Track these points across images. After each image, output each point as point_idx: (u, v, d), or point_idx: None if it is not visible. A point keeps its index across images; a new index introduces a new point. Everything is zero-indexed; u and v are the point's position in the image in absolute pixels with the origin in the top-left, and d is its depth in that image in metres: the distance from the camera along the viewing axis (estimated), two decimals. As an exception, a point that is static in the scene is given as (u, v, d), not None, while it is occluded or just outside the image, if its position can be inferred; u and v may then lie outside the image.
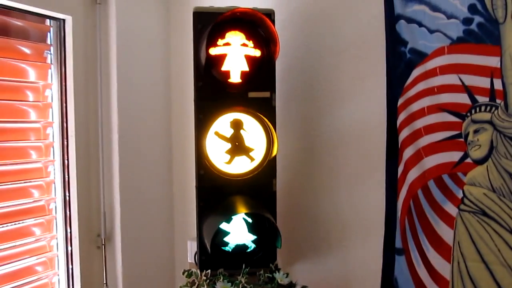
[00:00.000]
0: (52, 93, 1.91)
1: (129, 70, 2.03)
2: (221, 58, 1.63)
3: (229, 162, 1.67)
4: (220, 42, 1.63)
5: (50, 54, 1.90)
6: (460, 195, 1.62)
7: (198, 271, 1.64)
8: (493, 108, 1.54)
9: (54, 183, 1.93)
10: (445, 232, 1.65)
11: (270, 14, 1.67)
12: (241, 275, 1.58)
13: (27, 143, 1.86)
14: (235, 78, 1.65)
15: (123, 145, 1.99)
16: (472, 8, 1.57)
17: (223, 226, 1.66)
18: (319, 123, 1.89)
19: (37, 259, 1.89)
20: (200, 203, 1.67)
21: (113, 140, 1.99)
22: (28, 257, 1.85)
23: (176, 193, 2.25)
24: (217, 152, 1.66)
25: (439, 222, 1.67)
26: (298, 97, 1.94)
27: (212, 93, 1.65)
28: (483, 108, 1.58)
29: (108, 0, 1.95)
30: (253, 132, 1.69)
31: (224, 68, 1.64)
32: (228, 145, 1.66)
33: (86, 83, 1.94)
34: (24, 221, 1.84)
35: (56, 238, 1.94)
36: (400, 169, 1.75)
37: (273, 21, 1.67)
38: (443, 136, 1.65)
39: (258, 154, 1.69)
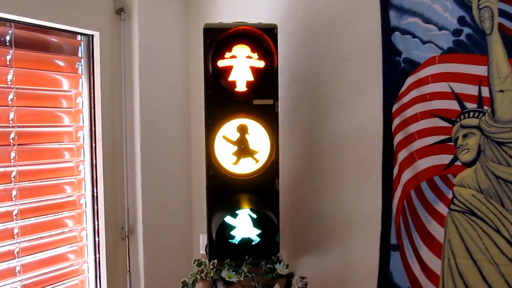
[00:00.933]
0: (83, 100, 2.15)
1: (150, 80, 2.23)
2: (228, 69, 1.80)
3: (236, 163, 1.84)
4: (227, 55, 1.80)
5: (81, 65, 2.14)
6: (450, 195, 1.72)
7: (207, 261, 1.82)
8: (481, 114, 1.63)
9: (84, 181, 2.16)
10: (436, 230, 1.75)
11: (273, 28, 1.82)
12: (244, 265, 1.75)
13: (61, 145, 2.10)
14: (241, 87, 1.81)
15: (144, 147, 2.20)
16: (461, 20, 1.67)
17: (230, 220, 1.83)
18: (321, 127, 2.03)
19: (70, 247, 2.13)
20: (210, 199, 1.85)
21: (136, 142, 2.20)
22: (62, 246, 2.09)
23: (194, 191, 2.44)
24: (224, 154, 1.83)
25: (430, 221, 1.77)
26: (303, 104, 2.08)
27: (220, 100, 1.81)
28: (471, 114, 1.67)
29: (132, 17, 2.17)
30: (257, 136, 1.85)
31: (231, 78, 1.80)
32: (235, 148, 1.83)
33: (112, 91, 2.17)
34: (58, 214, 2.08)
35: (86, 230, 2.18)
36: (395, 171, 1.87)
37: (276, 35, 1.82)
38: (434, 140, 1.75)
39: (262, 156, 1.85)
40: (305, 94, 2.07)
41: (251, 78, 1.81)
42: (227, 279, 1.74)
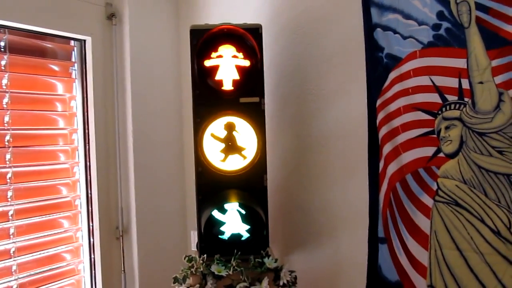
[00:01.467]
0: (77, 104, 2.21)
1: (142, 82, 2.30)
2: (214, 69, 1.84)
3: (224, 160, 1.88)
4: (213, 55, 1.84)
5: (75, 70, 2.20)
6: (434, 187, 1.74)
7: (198, 257, 1.86)
8: (462, 106, 1.66)
9: (79, 182, 2.21)
10: (422, 222, 1.77)
11: (257, 28, 1.87)
12: (232, 259, 1.79)
13: (56, 147, 2.16)
14: (227, 85, 1.85)
15: (137, 148, 2.25)
16: (440, 15, 1.70)
17: (219, 216, 1.87)
18: (309, 125, 2.06)
19: (65, 247, 2.17)
20: (199, 196, 1.89)
21: (129, 144, 2.25)
22: (58, 246, 2.14)
23: (187, 190, 2.47)
24: (213, 151, 1.87)
25: (416, 213, 1.79)
26: (291, 102, 2.12)
27: (208, 99, 1.86)
28: (452, 106, 1.69)
29: (123, 22, 2.23)
30: (245, 133, 1.89)
31: (217, 77, 1.84)
32: (223, 145, 1.87)
33: (105, 94, 2.23)
34: (54, 214, 2.13)
35: (81, 230, 2.22)
36: (381, 164, 1.89)
37: (260, 34, 1.87)
38: (418, 133, 1.78)
39: (250, 152, 1.89)
40: (292, 92, 2.11)
41: (237, 77, 1.85)
42: (216, 273, 1.77)
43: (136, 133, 2.24)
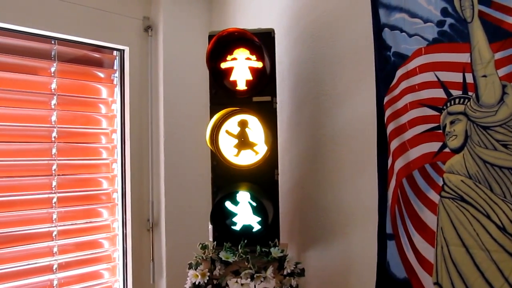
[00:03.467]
0: (117, 107, 2.47)
1: (173, 88, 2.51)
2: (229, 70, 2.00)
3: (237, 155, 2.00)
4: (229, 57, 2.00)
5: (116, 77, 2.47)
6: (440, 182, 1.72)
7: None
8: (466, 100, 1.65)
9: (117, 177, 2.45)
10: (428, 218, 1.75)
11: (270, 32, 2.01)
12: (239, 247, 1.89)
13: (100, 145, 2.43)
14: (241, 85, 1.99)
15: (168, 148, 2.45)
16: (444, 11, 1.73)
17: (232, 208, 1.99)
18: (323, 124, 2.13)
19: (105, 235, 2.41)
20: (214, 188, 2.03)
21: (160, 144, 2.46)
22: (96, 234, 2.39)
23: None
24: (227, 147, 2.01)
25: (423, 209, 1.78)
26: (307, 103, 2.21)
27: (223, 98, 2.01)
28: (457, 100, 1.69)
29: (158, 34, 2.48)
30: (258, 130, 2.00)
31: (232, 78, 1.99)
32: (236, 141, 2.01)
33: (140, 98, 2.47)
34: (94, 205, 2.39)
35: (117, 221, 2.45)
36: (389, 161, 1.90)
37: (273, 38, 2.01)
38: (424, 129, 1.78)
39: (262, 148, 2.00)
40: (309, 93, 2.20)
41: (250, 77, 1.99)
42: (224, 259, 1.88)
43: (167, 134, 2.45)
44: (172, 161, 2.48)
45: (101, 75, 2.43)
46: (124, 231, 2.43)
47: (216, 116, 1.98)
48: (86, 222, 2.33)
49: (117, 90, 2.46)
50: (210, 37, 2.02)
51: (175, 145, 2.49)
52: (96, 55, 2.42)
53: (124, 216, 2.44)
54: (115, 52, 2.46)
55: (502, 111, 1.57)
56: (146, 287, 2.47)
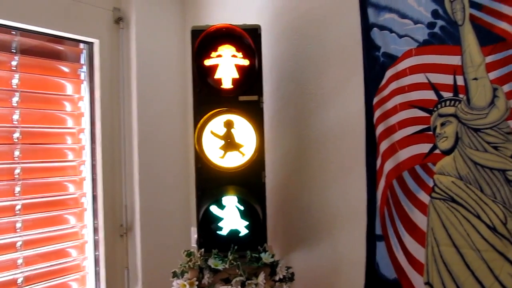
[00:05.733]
0: (84, 104, 2.28)
1: (147, 84, 2.36)
2: (214, 68, 1.90)
3: (223, 156, 1.91)
4: (213, 54, 1.90)
5: (83, 72, 2.29)
6: (431, 183, 1.74)
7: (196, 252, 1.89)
8: (457, 102, 1.67)
9: (85, 180, 2.28)
10: (419, 219, 1.77)
11: (256, 29, 1.92)
12: (229, 253, 1.81)
13: (64, 146, 2.24)
14: (227, 84, 1.90)
15: (142, 147, 2.31)
16: (435, 13, 1.73)
17: (218, 212, 1.90)
18: (308, 124, 2.09)
19: (72, 243, 2.23)
20: (198, 192, 1.93)
21: (134, 143, 2.32)
22: (63, 242, 2.20)
23: (192, 188, 2.49)
24: (212, 148, 1.92)
25: (413, 210, 1.79)
26: (291, 102, 2.16)
27: (208, 97, 1.90)
28: (448, 102, 1.70)
29: (130, 26, 2.32)
30: (244, 130, 1.93)
31: (217, 76, 1.89)
32: (222, 142, 1.92)
33: (111, 95, 2.30)
34: (61, 211, 2.20)
35: (86, 227, 2.28)
36: (378, 162, 1.90)
37: (259, 35, 1.92)
38: (414, 130, 1.79)
39: (248, 150, 1.92)
40: (293, 92, 2.15)
41: (236, 75, 1.90)
42: (213, 267, 1.80)
43: (141, 133, 2.30)
44: (147, 162, 2.35)
45: (66, 69, 2.24)
46: (96, 238, 2.27)
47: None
48: (53, 230, 2.15)
49: (84, 86, 2.28)
50: (194, 32, 1.91)
51: (149, 145, 2.35)
52: (60, 47, 2.22)
53: (94, 222, 2.27)
54: (81, 45, 2.27)
55: (492, 114, 1.59)
56: (120, 297, 2.33)
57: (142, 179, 2.31)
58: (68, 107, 2.24)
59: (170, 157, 2.44)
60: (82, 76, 2.29)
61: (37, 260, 2.09)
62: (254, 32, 1.92)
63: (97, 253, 2.27)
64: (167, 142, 2.43)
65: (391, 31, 1.85)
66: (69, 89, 2.25)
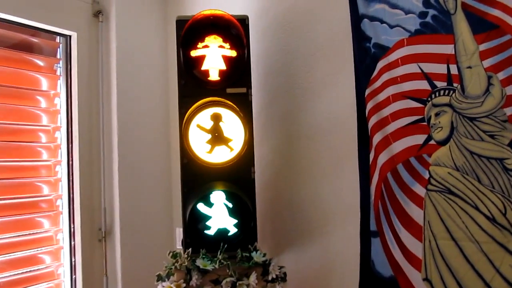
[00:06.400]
0: (61, 101, 2.16)
1: (128, 79, 2.26)
2: (201, 59, 1.82)
3: (210, 151, 1.82)
4: (200, 45, 1.82)
5: (60, 67, 2.17)
6: (426, 175, 1.69)
7: (183, 253, 1.77)
8: (451, 92, 1.64)
9: (61, 181, 2.14)
10: (415, 213, 1.71)
11: (244, 19, 1.86)
12: (218, 253, 1.71)
13: (39, 144, 2.10)
14: (214, 76, 1.83)
15: (122, 146, 2.20)
16: (426, 3, 1.70)
17: (205, 210, 1.80)
18: (298, 118, 2.03)
19: (45, 249, 2.07)
20: (184, 189, 1.82)
21: (113, 142, 2.20)
22: (37, 248, 2.04)
23: (174, 190, 2.40)
24: (199, 143, 1.82)
25: (409, 203, 1.73)
26: (279, 96, 2.09)
27: (194, 90, 1.83)
28: (442, 92, 1.67)
29: (109, 18, 2.22)
30: (232, 124, 1.84)
31: (203, 67, 1.82)
32: (209, 136, 1.83)
33: (90, 92, 2.19)
34: (34, 214, 2.05)
35: (62, 232, 2.13)
36: (371, 155, 1.85)
37: (247, 25, 1.86)
38: (408, 121, 1.74)
39: (237, 144, 1.84)
40: (281, 86, 2.09)
41: (223, 67, 1.83)
42: (201, 267, 1.68)
43: (121, 130, 2.19)
44: (127, 162, 2.22)
45: (41, 63, 2.11)
46: (72, 243, 2.11)
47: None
48: (25, 235, 1.99)
49: (61, 82, 2.16)
50: (179, 22, 1.83)
51: (130, 144, 2.24)
52: (35, 40, 2.10)
53: (71, 226, 2.12)
54: (58, 39, 2.15)
55: (488, 102, 1.57)
56: (98, 305, 2.17)
57: (122, 179, 2.19)
58: (43, 103, 2.11)
59: (152, 156, 2.33)
60: (58, 71, 2.16)
61: (7, 268, 1.92)
62: (242, 22, 1.86)
63: (73, 259, 2.11)
64: (148, 140, 2.32)
65: (382, 21, 1.81)
66: (44, 84, 2.12)
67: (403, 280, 1.74)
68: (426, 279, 1.68)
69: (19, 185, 2.00)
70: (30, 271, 2.01)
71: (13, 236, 1.96)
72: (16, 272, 1.96)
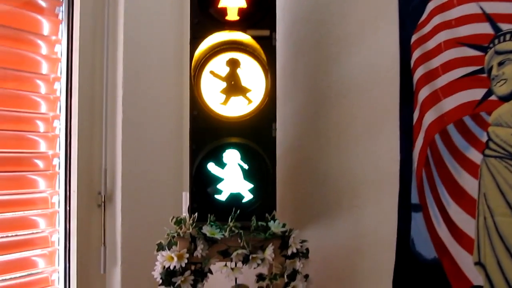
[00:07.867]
0: (62, 48, 1.94)
1: (137, 27, 2.03)
2: (218, -4, 1.58)
3: (225, 103, 1.56)
4: (217, -22, 1.58)
5: (62, 11, 1.94)
6: (484, 138, 1.41)
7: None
8: (520, 36, 1.36)
9: (59, 138, 1.92)
10: (468, 183, 1.44)
11: (270, -51, 1.60)
12: (229, 219, 1.45)
13: (37, 95, 1.88)
14: (232, 15, 1.57)
15: (127, 101, 1.96)
16: None
17: (216, 171, 1.55)
18: (328, 73, 1.78)
19: (41, 211, 1.87)
20: (193, 146, 1.58)
21: (118, 95, 1.96)
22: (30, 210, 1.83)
23: (186, 146, 2.17)
24: (212, 92, 1.57)
25: (461, 172, 1.46)
26: (307, 47, 1.84)
27: (208, 31, 1.57)
28: (508, 36, 1.39)
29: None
30: (251, 73, 1.57)
31: (220, 4, 1.56)
32: (224, 85, 1.57)
33: (93, 39, 1.96)
34: (28, 172, 1.84)
35: (58, 194, 1.92)
36: (416, 115, 1.57)
37: (274, -43, 1.60)
38: (463, 73, 1.47)
39: (257, 96, 1.57)
40: (309, 35, 1.83)
41: (244, 4, 1.57)
42: (209, 235, 1.43)
43: (126, 82, 1.96)
44: (132, 118, 1.99)
45: (43, 4, 1.89)
46: (67, 208, 1.90)
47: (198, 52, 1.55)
48: (17, 193, 1.79)
49: (62, 27, 1.93)
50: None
51: (136, 98, 2.00)
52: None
53: (66, 188, 1.90)
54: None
55: None
56: (94, 278, 1.95)
57: (125, 138, 1.96)
58: (44, 49, 1.89)
59: (162, 113, 2.10)
60: (60, 16, 1.94)
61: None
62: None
63: (68, 225, 1.90)
64: (158, 92, 2.09)
65: (433, -48, 1.53)
66: (46, 28, 1.90)
67: (448, 264, 1.47)
68: (478, 263, 1.41)
69: (13, 137, 1.79)
70: (23, 234, 1.80)
71: (5, 194, 1.76)
72: (7, 234, 1.75)
